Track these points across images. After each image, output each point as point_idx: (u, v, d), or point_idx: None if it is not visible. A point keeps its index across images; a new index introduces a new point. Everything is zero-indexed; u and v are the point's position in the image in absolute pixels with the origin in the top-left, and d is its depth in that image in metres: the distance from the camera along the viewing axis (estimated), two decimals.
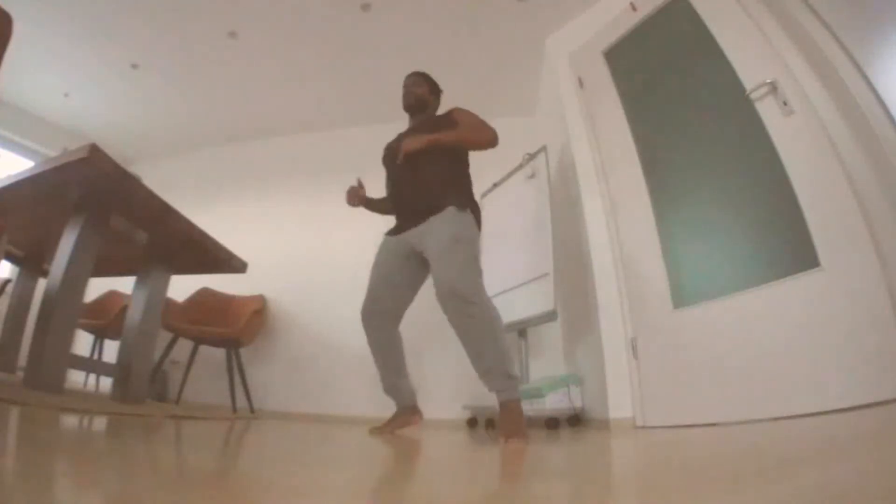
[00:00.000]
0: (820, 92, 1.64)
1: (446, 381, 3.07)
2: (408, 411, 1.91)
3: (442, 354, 3.20)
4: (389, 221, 2.03)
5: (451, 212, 1.78)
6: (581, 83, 2.71)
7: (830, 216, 1.55)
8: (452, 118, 1.96)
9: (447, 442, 1.74)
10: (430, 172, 1.87)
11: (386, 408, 1.98)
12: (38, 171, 1.63)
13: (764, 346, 1.64)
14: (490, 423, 2.37)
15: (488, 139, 1.91)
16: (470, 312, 1.60)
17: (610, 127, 2.47)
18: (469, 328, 1.62)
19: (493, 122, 1.96)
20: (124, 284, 2.91)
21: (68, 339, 1.74)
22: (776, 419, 1.50)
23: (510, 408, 1.57)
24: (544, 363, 2.98)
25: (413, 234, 1.86)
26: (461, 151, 1.97)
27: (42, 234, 2.20)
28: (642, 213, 2.20)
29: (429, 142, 1.83)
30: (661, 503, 0.57)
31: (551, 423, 2.25)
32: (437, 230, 1.75)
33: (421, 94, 2.10)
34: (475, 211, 1.88)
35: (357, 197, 2.06)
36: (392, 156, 1.97)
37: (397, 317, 1.95)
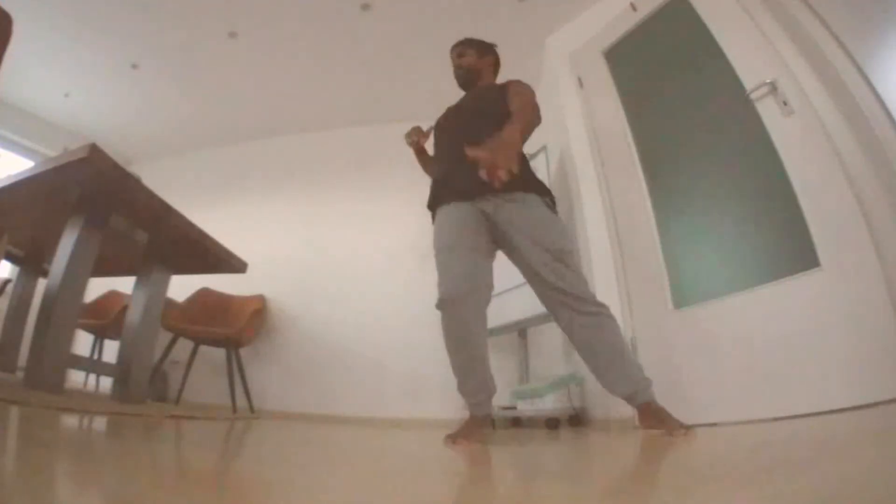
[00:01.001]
0: (820, 92, 1.64)
1: (446, 380, 3.06)
2: (485, 421, 1.61)
3: (442, 354, 3.20)
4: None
5: (546, 207, 1.64)
6: (581, 83, 2.71)
7: (830, 216, 1.55)
8: (506, 93, 1.70)
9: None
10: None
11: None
12: (38, 171, 1.63)
13: (764, 346, 1.64)
14: (490, 423, 2.37)
15: (531, 122, 1.57)
16: (601, 321, 1.51)
17: (610, 127, 2.47)
18: (602, 333, 1.49)
19: None
20: (124, 284, 2.91)
21: (68, 339, 1.74)
22: (776, 419, 1.50)
23: (654, 408, 1.42)
24: (544, 363, 2.97)
25: (491, 203, 1.59)
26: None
27: (42, 234, 2.20)
28: (642, 213, 2.21)
29: (516, 153, 1.35)
30: (662, 503, 0.57)
31: (552, 423, 2.25)
32: (533, 214, 1.59)
33: (469, 64, 1.88)
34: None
35: (421, 137, 1.79)
36: (453, 117, 1.79)
37: (488, 297, 1.58)
